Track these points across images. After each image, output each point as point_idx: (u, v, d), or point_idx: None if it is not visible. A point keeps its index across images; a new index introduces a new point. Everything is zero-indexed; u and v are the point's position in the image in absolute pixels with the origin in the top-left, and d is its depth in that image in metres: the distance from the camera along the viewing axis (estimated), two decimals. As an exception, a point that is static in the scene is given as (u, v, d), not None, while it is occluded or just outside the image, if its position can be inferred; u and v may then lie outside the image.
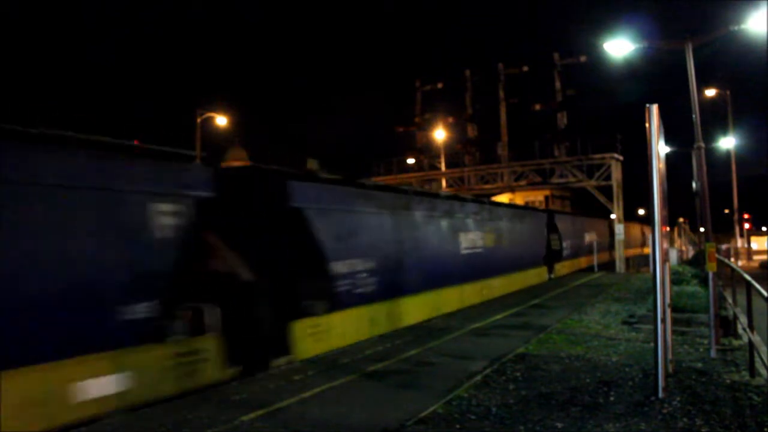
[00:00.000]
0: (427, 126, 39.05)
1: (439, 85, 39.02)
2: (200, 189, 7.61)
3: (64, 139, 6.24)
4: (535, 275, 21.59)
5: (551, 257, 23.74)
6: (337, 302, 9.83)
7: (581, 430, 5.44)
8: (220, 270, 7.88)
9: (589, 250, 29.44)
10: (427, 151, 39.21)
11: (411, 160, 38.98)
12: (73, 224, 6.18)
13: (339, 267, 9.92)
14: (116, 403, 6.25)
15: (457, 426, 5.62)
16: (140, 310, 6.56)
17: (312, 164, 10.28)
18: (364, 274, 10.57)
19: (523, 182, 34.12)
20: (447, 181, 36.87)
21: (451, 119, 38.50)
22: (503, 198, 34.33)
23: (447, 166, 37.64)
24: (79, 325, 6.07)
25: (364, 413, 6.15)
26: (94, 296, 6.25)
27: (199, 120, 27.47)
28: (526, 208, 26.10)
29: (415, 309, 12.30)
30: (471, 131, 37.19)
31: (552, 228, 24.34)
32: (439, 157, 38.30)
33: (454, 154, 37.77)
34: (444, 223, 14.36)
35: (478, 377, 7.44)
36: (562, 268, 25.18)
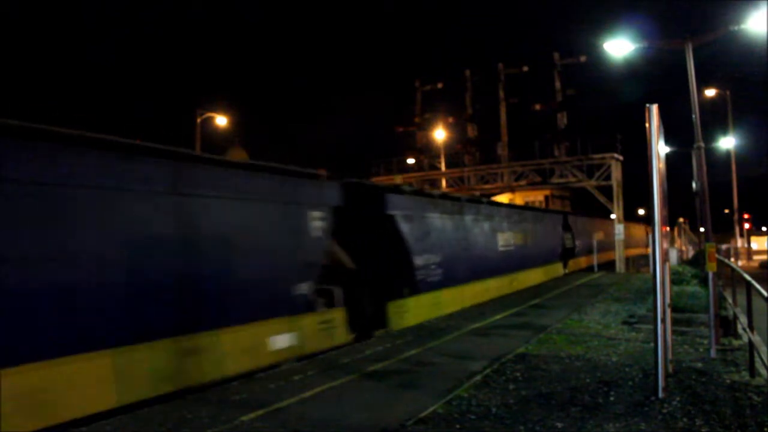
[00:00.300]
0: (427, 126, 39.05)
1: (439, 85, 39.01)
2: (334, 200, 10.42)
3: (260, 167, 9.08)
4: (553, 270, 24.37)
5: (566, 254, 26.77)
6: (416, 288, 12.60)
7: (581, 430, 5.44)
8: (342, 261, 10.52)
9: (598, 248, 31.20)
10: (427, 151, 39.21)
11: (411, 160, 38.98)
12: (276, 228, 9.06)
13: (417, 260, 12.67)
14: (288, 354, 8.74)
15: (457, 426, 5.62)
16: (303, 288, 9.29)
17: (398, 179, 16.90)
18: (433, 266, 13.33)
19: (523, 182, 34.12)
20: (447, 181, 36.87)
21: (451, 119, 38.50)
22: (503, 198, 34.35)
23: (447, 166, 37.64)
24: (276, 297, 8.84)
25: (364, 413, 6.15)
26: (284, 277, 9.02)
27: (199, 120, 27.47)
28: (546, 210, 28.91)
29: (467, 296, 15.14)
30: (471, 131, 37.18)
31: (566, 228, 27.47)
32: (439, 157, 38.31)
33: (454, 154, 37.77)
34: (486, 225, 17.27)
35: (478, 377, 7.44)
36: (575, 264, 28.15)
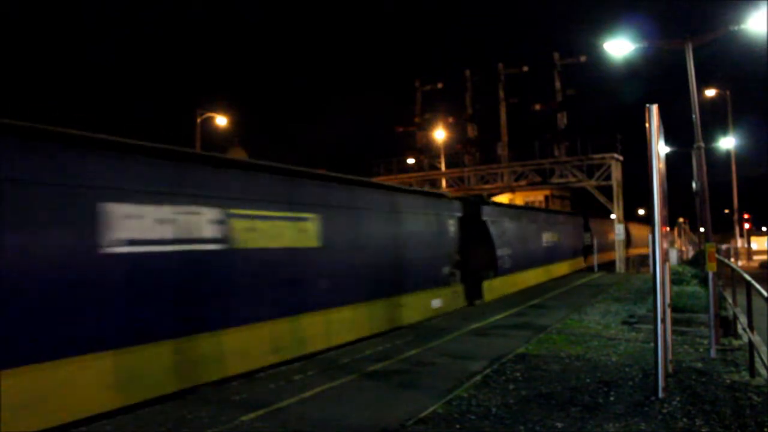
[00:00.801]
0: (427, 126, 39.04)
1: (439, 85, 39.01)
2: (458, 212, 15.44)
3: (427, 193, 15.58)
4: (577, 263, 29.29)
5: (586, 250, 31.17)
6: (497, 272, 17.31)
7: (581, 430, 5.44)
8: (458, 252, 15.05)
9: (612, 247, 34.39)
10: (427, 151, 39.20)
11: (411, 160, 38.98)
12: (435, 231, 14.11)
13: (498, 252, 17.38)
14: (437, 312, 13.50)
15: (457, 426, 5.62)
16: (445, 270, 14.27)
17: (485, 194, 21.93)
18: (507, 257, 18.18)
19: (523, 182, 34.12)
20: (447, 181, 36.87)
21: (451, 119, 38.49)
22: (503, 198, 34.36)
23: (447, 166, 37.64)
24: (436, 275, 13.86)
25: (364, 413, 6.15)
26: (439, 263, 13.98)
27: (199, 120, 27.47)
28: (571, 213, 32.84)
29: (526, 279, 20.27)
30: (471, 131, 37.18)
31: (587, 228, 31.98)
32: (439, 157, 38.30)
33: (454, 154, 37.76)
34: (534, 227, 22.32)
35: (478, 377, 7.44)
36: (593, 259, 31.29)
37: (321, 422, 5.88)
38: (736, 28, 12.57)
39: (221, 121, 28.35)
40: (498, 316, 13.07)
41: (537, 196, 35.45)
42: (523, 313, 13.59)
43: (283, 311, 8.75)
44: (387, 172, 38.08)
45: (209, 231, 7.60)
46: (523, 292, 18.47)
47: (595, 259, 29.54)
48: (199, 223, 7.46)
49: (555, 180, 32.76)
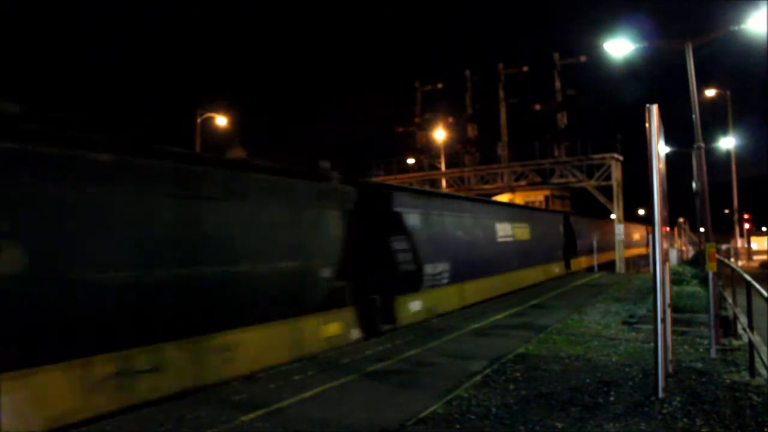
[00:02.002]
0: (427, 126, 39.03)
1: (439, 85, 38.99)
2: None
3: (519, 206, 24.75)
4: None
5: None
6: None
7: (581, 430, 5.44)
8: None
9: (626, 245, 37.08)
10: (427, 151, 39.19)
11: (411, 160, 38.97)
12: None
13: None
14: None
15: (457, 426, 5.62)
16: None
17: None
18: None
19: (523, 182, 34.11)
20: (447, 181, 36.86)
21: (451, 119, 38.47)
22: (503, 198, 34.34)
23: (447, 166, 37.63)
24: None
25: (364, 413, 6.15)
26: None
27: (199, 120, 27.47)
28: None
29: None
30: (471, 131, 37.17)
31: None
32: (439, 157, 38.29)
33: (454, 154, 37.75)
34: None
35: (478, 377, 7.44)
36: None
37: (321, 422, 5.88)
38: (736, 28, 12.56)
39: (221, 121, 28.36)
40: (498, 316, 13.07)
41: (537, 197, 35.43)
42: (523, 313, 13.59)
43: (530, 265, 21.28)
44: (387, 172, 38.05)
45: (523, 234, 20.70)
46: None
47: (595, 259, 29.54)
48: (523, 231, 20.78)
49: (555, 180, 32.76)
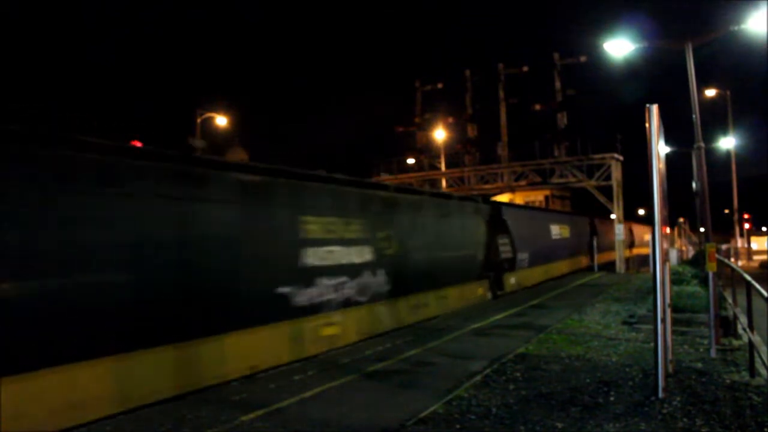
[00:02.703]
0: (427, 126, 39.03)
1: (439, 85, 38.99)
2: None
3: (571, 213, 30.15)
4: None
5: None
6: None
7: (581, 430, 5.44)
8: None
9: (631, 244, 40.57)
10: (427, 151, 39.19)
11: (411, 160, 38.96)
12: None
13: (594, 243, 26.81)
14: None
15: (457, 426, 5.62)
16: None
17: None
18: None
19: (523, 182, 34.11)
20: (447, 181, 36.86)
21: (451, 119, 38.47)
22: (503, 198, 34.35)
23: (447, 166, 37.63)
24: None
25: (364, 413, 6.15)
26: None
27: (199, 120, 27.47)
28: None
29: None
30: (471, 131, 37.17)
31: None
32: (439, 157, 38.29)
33: (454, 154, 37.75)
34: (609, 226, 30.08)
35: (478, 377, 7.44)
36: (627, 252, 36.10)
37: (321, 422, 5.88)
38: (736, 28, 12.56)
39: (221, 121, 28.36)
40: (498, 316, 13.07)
41: (537, 197, 35.44)
42: (523, 313, 13.59)
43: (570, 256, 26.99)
44: (387, 172, 38.06)
45: (565, 233, 27.40)
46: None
47: (595, 259, 29.55)
48: (565, 230, 27.48)
49: (555, 180, 32.76)
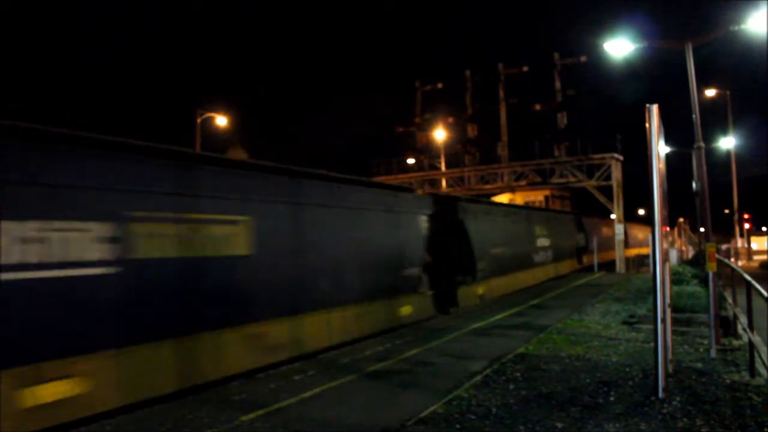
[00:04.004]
0: (427, 126, 39.04)
1: (439, 85, 39.01)
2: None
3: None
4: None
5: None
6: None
7: (581, 430, 5.44)
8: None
9: (639, 244, 41.74)
10: (427, 151, 39.20)
11: (411, 160, 38.97)
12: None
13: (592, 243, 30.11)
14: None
15: (457, 426, 5.62)
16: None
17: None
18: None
19: (523, 182, 34.12)
20: (447, 181, 36.87)
21: (451, 119, 38.48)
22: (503, 198, 34.36)
23: (447, 166, 37.64)
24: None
25: (364, 413, 6.15)
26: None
27: (199, 120, 27.46)
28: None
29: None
30: (471, 131, 37.18)
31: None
32: (439, 157, 38.30)
33: (454, 154, 37.76)
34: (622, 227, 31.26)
35: (478, 377, 7.44)
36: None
37: (321, 422, 5.88)
38: (736, 28, 12.56)
39: (221, 121, 28.35)
40: (498, 316, 13.07)
41: (537, 196, 35.46)
42: (523, 313, 13.58)
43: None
44: (387, 172, 38.08)
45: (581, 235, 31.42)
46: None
47: (596, 259, 29.56)
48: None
49: (555, 180, 32.77)
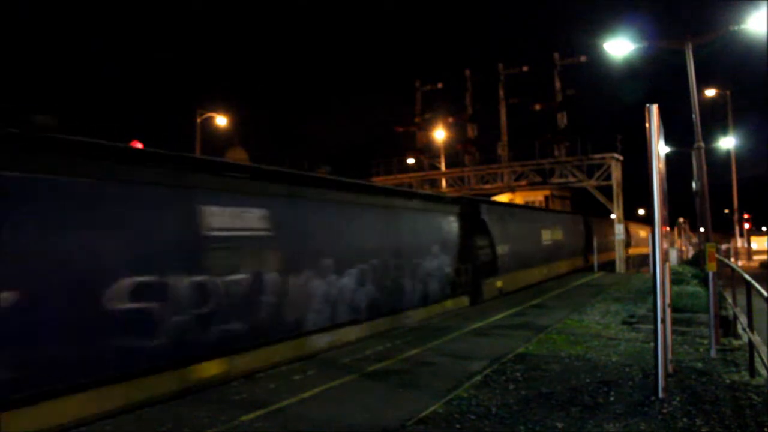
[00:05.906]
0: (427, 126, 39.08)
1: (439, 85, 39.05)
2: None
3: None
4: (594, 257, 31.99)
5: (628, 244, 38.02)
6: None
7: (581, 430, 5.44)
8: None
9: (628, 244, 40.96)
10: (427, 151, 39.24)
11: (411, 160, 38.99)
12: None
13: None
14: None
15: (457, 426, 5.62)
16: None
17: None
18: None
19: (523, 182, 34.14)
20: (447, 181, 36.87)
21: (451, 119, 38.52)
22: (503, 198, 34.36)
23: (447, 166, 37.65)
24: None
25: (364, 413, 6.15)
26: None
27: (199, 120, 27.47)
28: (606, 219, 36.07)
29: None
30: (471, 131, 37.19)
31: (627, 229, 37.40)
32: (439, 157, 38.32)
33: (454, 154, 37.81)
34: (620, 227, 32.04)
35: (478, 377, 7.44)
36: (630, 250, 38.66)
37: (321, 422, 5.88)
38: (736, 28, 12.57)
39: (221, 121, 28.36)
40: (498, 316, 13.07)
41: (537, 197, 35.48)
42: (523, 313, 13.58)
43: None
44: (387, 172, 38.09)
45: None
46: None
47: (596, 259, 29.57)
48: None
49: (555, 180, 32.79)
